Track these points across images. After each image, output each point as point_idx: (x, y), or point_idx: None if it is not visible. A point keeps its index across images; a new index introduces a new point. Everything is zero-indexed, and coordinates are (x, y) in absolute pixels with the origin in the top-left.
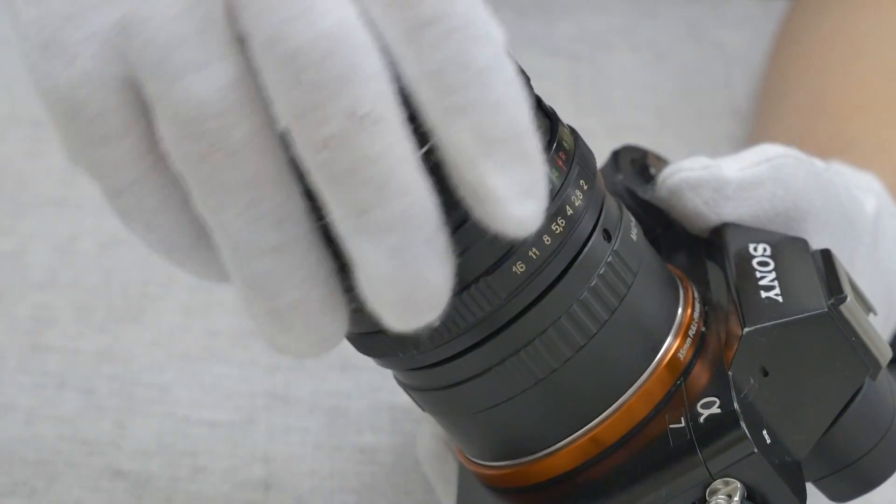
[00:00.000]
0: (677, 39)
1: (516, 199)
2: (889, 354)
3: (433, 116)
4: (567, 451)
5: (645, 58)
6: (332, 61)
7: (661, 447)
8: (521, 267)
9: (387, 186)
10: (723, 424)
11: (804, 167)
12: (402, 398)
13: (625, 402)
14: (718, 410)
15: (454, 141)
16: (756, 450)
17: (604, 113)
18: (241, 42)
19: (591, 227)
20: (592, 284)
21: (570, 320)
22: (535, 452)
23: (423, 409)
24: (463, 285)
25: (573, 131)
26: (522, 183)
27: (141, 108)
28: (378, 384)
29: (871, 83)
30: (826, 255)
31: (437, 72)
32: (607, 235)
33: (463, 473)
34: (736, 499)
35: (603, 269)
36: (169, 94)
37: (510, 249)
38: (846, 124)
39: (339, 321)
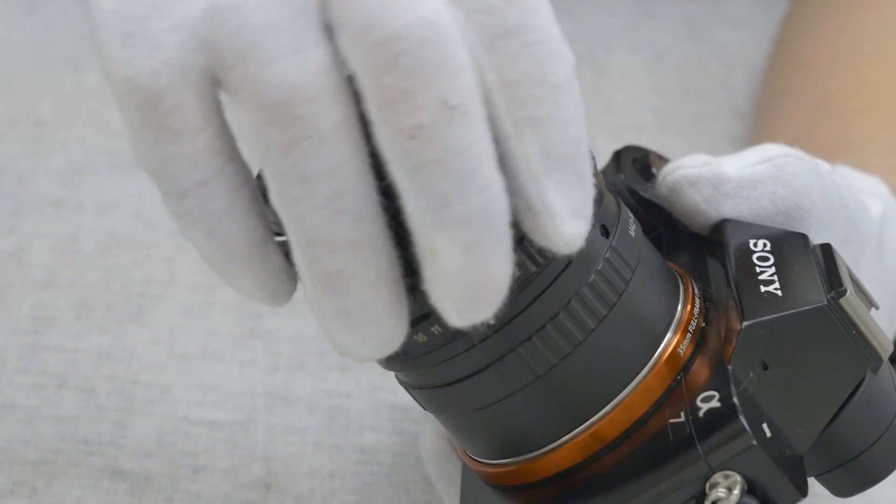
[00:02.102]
0: (677, 39)
1: (568, 217)
2: (891, 348)
3: (503, 126)
4: (568, 447)
5: (645, 58)
6: (429, 49)
7: (661, 442)
8: (519, 266)
9: (469, 181)
10: (722, 418)
11: (806, 167)
12: (403, 398)
13: (624, 397)
14: (718, 404)
15: (520, 153)
16: (755, 442)
17: (604, 113)
18: (329, 30)
19: None
20: (590, 280)
21: (568, 316)
22: (536, 449)
23: (425, 408)
24: None
25: None
26: (575, 203)
27: (218, 105)
28: (378, 384)
29: (875, 84)
30: (826, 249)
31: (514, 82)
32: (605, 231)
33: (466, 473)
34: (736, 492)
35: (601, 264)
36: (260, 78)
37: None
38: (849, 126)
39: (402, 323)
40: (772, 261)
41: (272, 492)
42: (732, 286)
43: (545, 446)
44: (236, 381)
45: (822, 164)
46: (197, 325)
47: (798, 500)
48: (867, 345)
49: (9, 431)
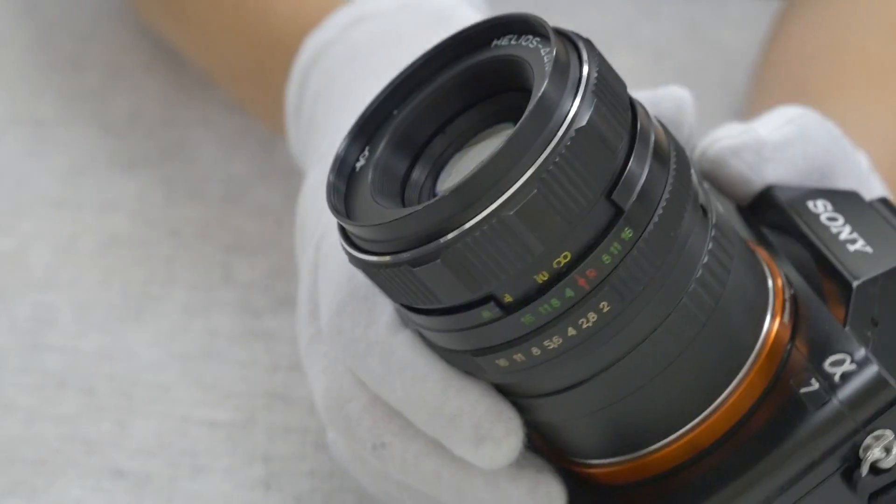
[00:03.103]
0: (677, 39)
1: None
2: None
3: None
4: (706, 426)
5: (645, 58)
6: None
7: (796, 412)
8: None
9: None
10: (861, 376)
11: (823, 123)
12: None
13: (744, 377)
14: (853, 366)
15: None
16: None
17: None
18: None
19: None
20: (698, 275)
21: (681, 311)
22: (673, 431)
23: (531, 415)
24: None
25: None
26: None
27: None
28: None
29: (853, 68)
30: (884, 201)
31: None
32: (703, 211)
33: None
34: (895, 451)
35: (706, 258)
36: None
37: None
38: (824, 103)
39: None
40: (842, 220)
41: (272, 492)
42: (819, 249)
43: (682, 428)
44: (236, 381)
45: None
46: (197, 325)
47: None
48: None
49: (9, 431)
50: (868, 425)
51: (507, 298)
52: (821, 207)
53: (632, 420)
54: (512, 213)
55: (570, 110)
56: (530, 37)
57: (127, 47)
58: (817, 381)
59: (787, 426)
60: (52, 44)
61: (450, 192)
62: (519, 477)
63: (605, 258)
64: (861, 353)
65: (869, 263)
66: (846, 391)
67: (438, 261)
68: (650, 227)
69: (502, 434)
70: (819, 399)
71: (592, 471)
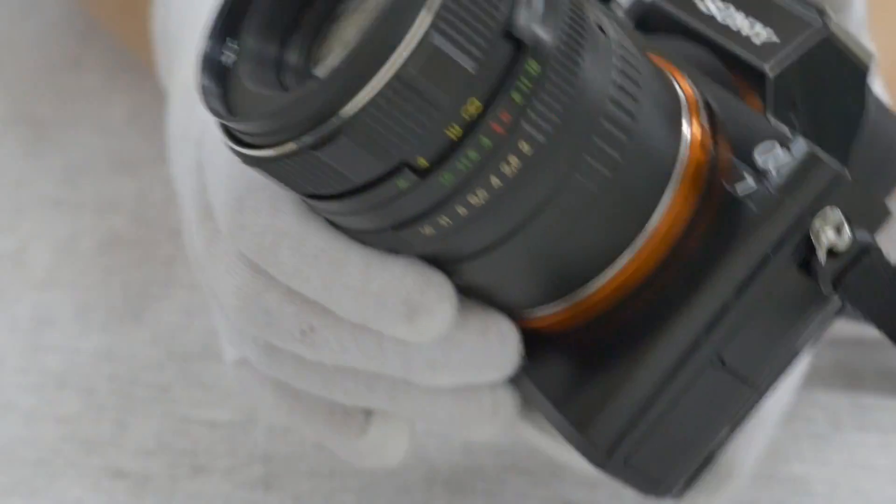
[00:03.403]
0: None
1: None
2: (873, 54)
3: None
4: (631, 266)
5: None
6: None
7: (736, 213)
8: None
9: None
10: (794, 159)
11: None
12: None
13: (674, 191)
14: (783, 151)
15: None
16: (843, 170)
17: None
18: None
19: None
20: (612, 94)
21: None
22: (609, 264)
23: (462, 279)
24: None
25: None
26: None
27: None
28: None
29: None
30: None
31: None
32: (602, 31)
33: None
34: (846, 228)
35: (615, 76)
36: None
37: None
38: None
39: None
40: (733, 7)
41: (272, 492)
42: (721, 45)
43: (618, 260)
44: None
45: None
46: (197, 325)
47: (889, 216)
48: (856, 57)
49: (9, 431)
50: (812, 207)
51: (422, 163)
52: (709, 2)
53: (567, 262)
54: (413, 70)
55: None
56: None
57: (127, 47)
58: (749, 175)
59: (729, 229)
60: (52, 44)
61: (342, 62)
62: (466, 323)
63: (516, 97)
64: (788, 136)
65: (777, 49)
66: (782, 178)
67: (343, 137)
68: (556, 55)
69: (435, 301)
70: (756, 193)
71: (534, 324)
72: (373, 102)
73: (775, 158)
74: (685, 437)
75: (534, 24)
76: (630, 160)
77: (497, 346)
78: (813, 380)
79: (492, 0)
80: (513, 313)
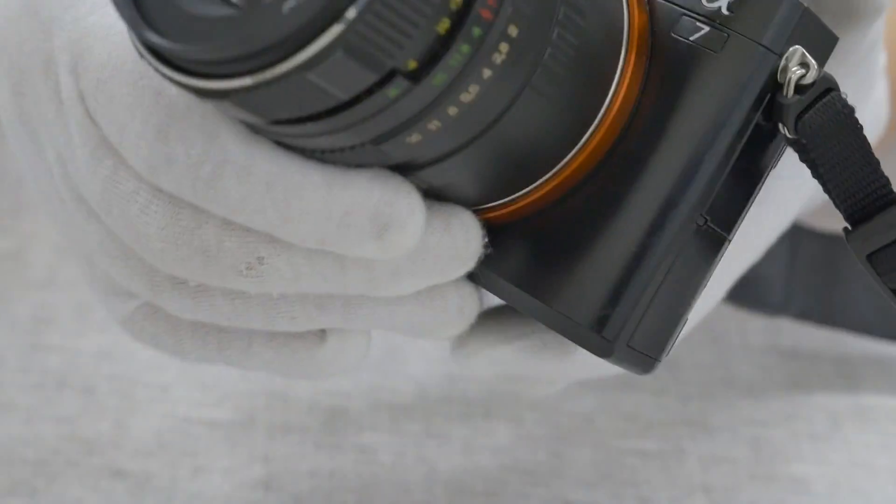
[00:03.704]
0: None
1: None
2: None
3: None
4: (602, 127)
5: None
6: None
7: (692, 60)
8: None
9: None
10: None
11: None
12: (403, 398)
13: (628, 46)
14: None
15: None
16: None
17: None
18: None
19: None
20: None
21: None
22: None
23: (425, 183)
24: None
25: None
26: None
27: None
28: (378, 384)
29: None
30: None
31: None
32: None
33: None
34: (813, 63)
35: None
36: None
37: None
38: None
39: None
40: None
41: (272, 492)
42: None
43: (568, 154)
44: (236, 381)
45: None
46: None
47: (835, 42)
48: None
49: (9, 431)
50: (781, 44)
51: (412, 65)
52: None
53: (537, 147)
54: None
55: None
56: None
57: None
58: (703, 22)
59: (690, 78)
60: None
61: None
62: (429, 223)
63: None
64: None
65: None
66: (748, 20)
67: (340, 52)
68: None
69: (406, 213)
70: (716, 39)
71: (493, 214)
72: (370, 7)
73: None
74: (676, 304)
75: None
76: (591, 30)
77: (462, 240)
78: (813, 380)
79: None
80: (469, 206)
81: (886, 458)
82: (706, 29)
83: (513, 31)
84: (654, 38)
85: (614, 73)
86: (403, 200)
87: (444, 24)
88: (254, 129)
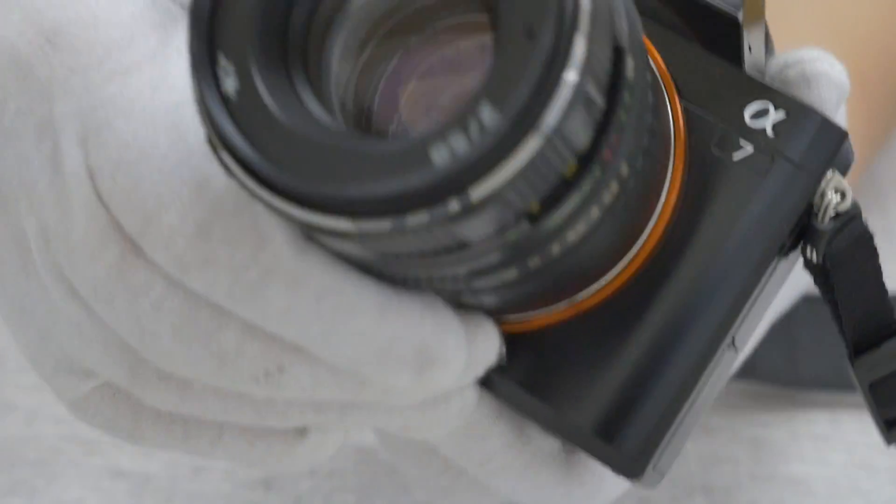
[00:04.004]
0: None
1: None
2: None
3: None
4: (647, 242)
5: None
6: None
7: (734, 181)
8: None
9: None
10: (800, 122)
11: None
12: None
13: (674, 162)
14: (781, 113)
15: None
16: (846, 129)
17: None
18: None
19: None
20: (651, 102)
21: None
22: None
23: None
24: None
25: None
26: None
27: None
28: None
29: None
30: None
31: None
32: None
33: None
34: (848, 192)
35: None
36: None
37: None
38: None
39: None
40: None
41: (272, 491)
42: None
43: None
44: None
45: None
46: None
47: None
48: None
49: (9, 431)
50: (823, 170)
51: (535, 207)
52: None
53: (586, 266)
54: (568, 120)
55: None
56: None
57: None
58: (748, 141)
59: (731, 199)
60: None
61: (500, 121)
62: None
63: (623, 116)
64: (781, 95)
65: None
66: (790, 143)
67: (493, 205)
68: (640, 63)
69: (452, 352)
70: (761, 161)
71: (517, 326)
72: (532, 164)
73: (775, 122)
74: (691, 422)
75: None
76: (658, 150)
77: (482, 352)
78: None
79: (611, 21)
80: (493, 315)
81: (886, 458)
82: (750, 149)
83: (624, 168)
84: (692, 150)
85: (664, 186)
86: (452, 339)
87: (572, 167)
88: (304, 234)
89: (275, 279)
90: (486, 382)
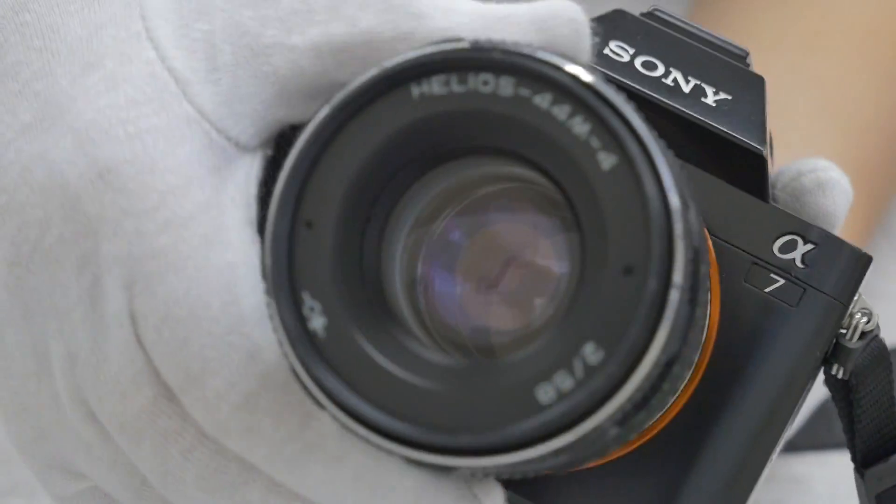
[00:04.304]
0: None
1: None
2: None
3: None
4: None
5: None
6: None
7: (766, 311)
8: None
9: None
10: (830, 252)
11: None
12: None
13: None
14: (810, 245)
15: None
16: (868, 254)
17: None
18: None
19: None
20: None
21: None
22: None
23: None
24: None
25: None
26: None
27: None
28: None
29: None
30: (652, 15)
31: None
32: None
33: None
34: (873, 310)
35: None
36: None
37: None
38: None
39: None
40: (662, 67)
41: None
42: (684, 115)
43: None
44: None
45: None
46: None
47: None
48: None
49: None
50: (851, 295)
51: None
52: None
53: None
54: (668, 343)
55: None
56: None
57: None
58: (779, 273)
59: (763, 330)
60: None
61: (608, 360)
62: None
63: (699, 312)
64: (808, 227)
65: (747, 121)
66: (821, 274)
67: (597, 432)
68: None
69: None
70: (792, 293)
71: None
72: (635, 392)
73: (805, 253)
74: None
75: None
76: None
77: None
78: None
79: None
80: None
81: None
82: (781, 282)
83: (695, 356)
84: (723, 284)
85: (705, 323)
86: None
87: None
88: None
89: (316, 454)
90: None
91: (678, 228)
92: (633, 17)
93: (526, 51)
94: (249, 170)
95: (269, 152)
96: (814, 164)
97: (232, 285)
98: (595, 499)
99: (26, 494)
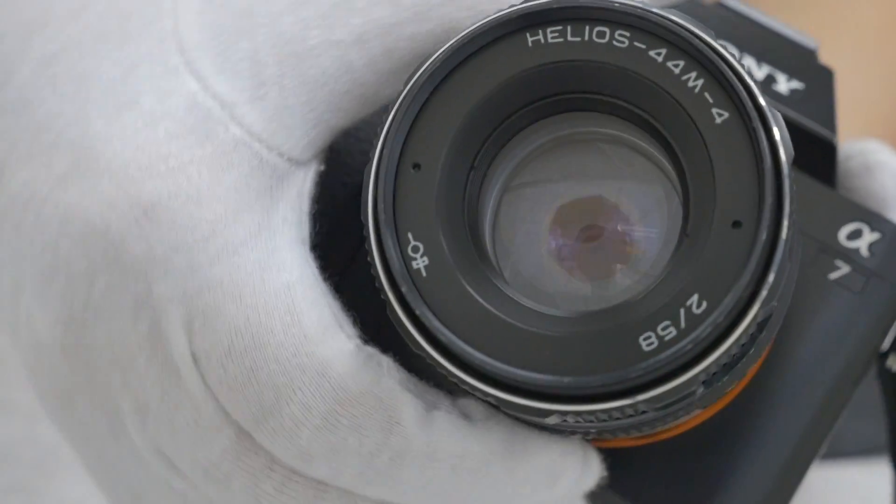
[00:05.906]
0: None
1: None
2: None
3: None
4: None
5: None
6: None
7: (831, 298)
8: None
9: None
10: (893, 240)
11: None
12: None
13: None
14: (876, 234)
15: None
16: None
17: None
18: None
19: None
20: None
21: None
22: None
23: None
24: None
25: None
26: None
27: None
28: None
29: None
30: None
31: None
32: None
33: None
34: None
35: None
36: None
37: None
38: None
39: None
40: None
41: None
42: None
43: None
44: None
45: None
46: None
47: None
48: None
49: (9, 431)
50: None
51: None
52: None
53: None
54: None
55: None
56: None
57: None
58: (844, 262)
59: (832, 318)
60: None
61: (713, 314)
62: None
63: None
64: (875, 216)
65: (829, 110)
66: (886, 263)
67: (689, 385)
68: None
69: (579, 469)
70: (856, 280)
71: (631, 441)
72: (731, 346)
73: (871, 242)
74: None
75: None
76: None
77: (590, 476)
78: None
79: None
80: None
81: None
82: (846, 269)
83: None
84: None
85: (794, 282)
86: (577, 458)
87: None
88: (426, 405)
89: (408, 460)
90: (593, 497)
91: (787, 184)
92: (706, 5)
93: (640, 5)
94: (301, 186)
95: (322, 167)
96: (862, 147)
97: (291, 306)
98: (644, 474)
99: (26, 494)
